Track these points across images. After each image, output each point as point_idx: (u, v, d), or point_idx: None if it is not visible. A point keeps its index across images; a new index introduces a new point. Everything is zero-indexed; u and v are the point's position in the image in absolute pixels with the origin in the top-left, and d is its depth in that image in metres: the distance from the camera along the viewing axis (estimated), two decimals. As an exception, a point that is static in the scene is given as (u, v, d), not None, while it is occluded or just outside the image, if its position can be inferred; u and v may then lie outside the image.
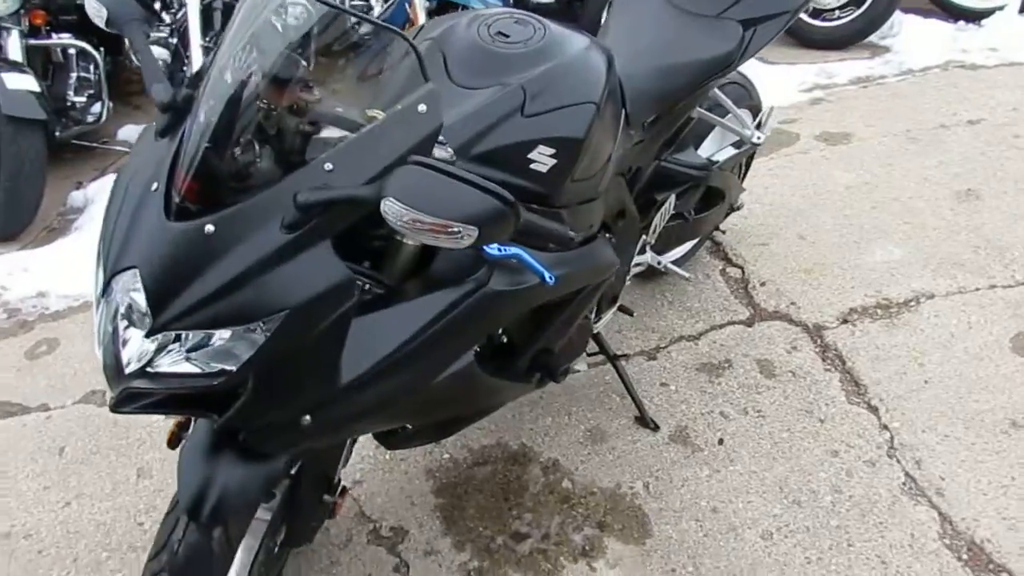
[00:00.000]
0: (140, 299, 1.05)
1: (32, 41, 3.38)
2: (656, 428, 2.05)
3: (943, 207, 2.79)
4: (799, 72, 3.99)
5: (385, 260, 1.24)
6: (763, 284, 2.52)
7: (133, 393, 1.12)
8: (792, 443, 1.97)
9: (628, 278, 2.04)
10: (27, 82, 3.10)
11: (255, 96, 1.09)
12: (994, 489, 1.79)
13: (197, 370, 1.09)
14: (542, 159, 1.35)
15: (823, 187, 2.99)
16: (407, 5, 3.81)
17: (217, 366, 1.09)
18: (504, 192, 0.96)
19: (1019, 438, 1.91)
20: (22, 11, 3.28)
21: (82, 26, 3.52)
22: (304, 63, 1.13)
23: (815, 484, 1.86)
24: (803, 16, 4.27)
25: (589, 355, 2.14)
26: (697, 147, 2.16)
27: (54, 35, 3.50)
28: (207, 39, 3.56)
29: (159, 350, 1.08)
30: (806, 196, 2.95)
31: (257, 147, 1.09)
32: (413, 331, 1.20)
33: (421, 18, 3.79)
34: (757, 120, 2.41)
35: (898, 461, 1.89)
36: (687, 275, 2.18)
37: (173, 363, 1.09)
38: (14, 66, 3.17)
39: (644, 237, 2.03)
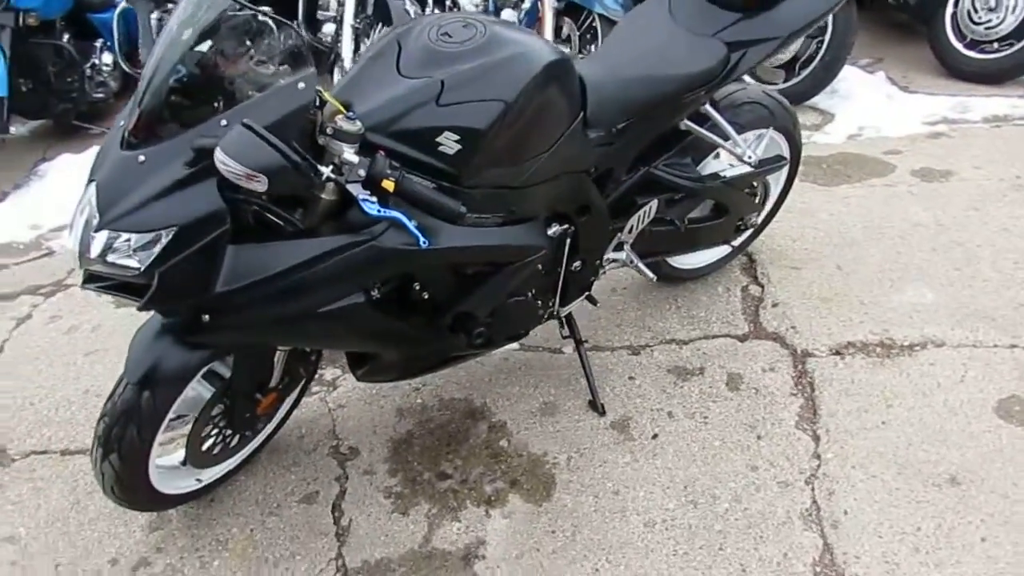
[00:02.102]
0: (95, 203, 1.44)
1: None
2: (603, 413, 2.20)
3: (1007, 260, 2.60)
4: (933, 103, 3.78)
5: (307, 209, 1.55)
6: (775, 305, 2.53)
7: (93, 275, 1.52)
8: (719, 452, 2.03)
9: (601, 271, 2.20)
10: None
11: (182, 63, 1.44)
12: (892, 534, 1.76)
13: (135, 264, 1.46)
14: (448, 143, 1.59)
15: (890, 222, 2.89)
16: (539, 4, 4.10)
17: (144, 263, 1.45)
18: (292, 155, 1.24)
19: (949, 494, 1.84)
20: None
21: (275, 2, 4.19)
22: (220, 42, 1.47)
23: (719, 491, 1.93)
24: (958, 46, 4.01)
25: (564, 338, 2.33)
26: (698, 161, 2.24)
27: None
28: (357, 20, 4.08)
29: (110, 244, 1.46)
30: (868, 228, 2.87)
31: (179, 102, 1.44)
32: (293, 263, 1.51)
33: (548, 16, 4.07)
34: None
35: (812, 488, 1.90)
36: (652, 276, 2.27)
37: (122, 256, 1.47)
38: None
39: (620, 236, 2.17)
